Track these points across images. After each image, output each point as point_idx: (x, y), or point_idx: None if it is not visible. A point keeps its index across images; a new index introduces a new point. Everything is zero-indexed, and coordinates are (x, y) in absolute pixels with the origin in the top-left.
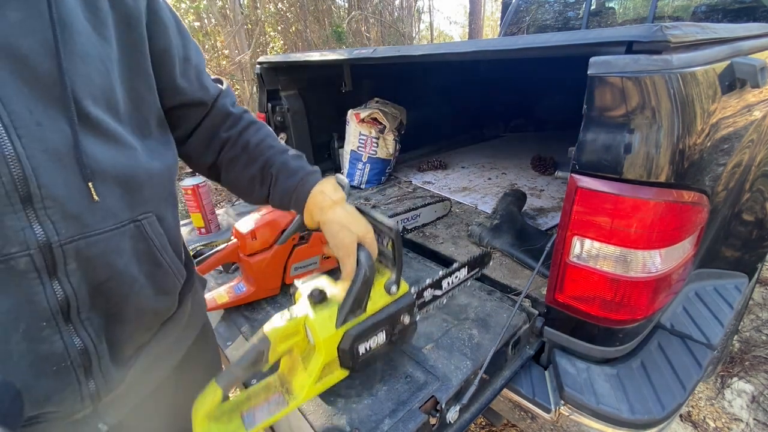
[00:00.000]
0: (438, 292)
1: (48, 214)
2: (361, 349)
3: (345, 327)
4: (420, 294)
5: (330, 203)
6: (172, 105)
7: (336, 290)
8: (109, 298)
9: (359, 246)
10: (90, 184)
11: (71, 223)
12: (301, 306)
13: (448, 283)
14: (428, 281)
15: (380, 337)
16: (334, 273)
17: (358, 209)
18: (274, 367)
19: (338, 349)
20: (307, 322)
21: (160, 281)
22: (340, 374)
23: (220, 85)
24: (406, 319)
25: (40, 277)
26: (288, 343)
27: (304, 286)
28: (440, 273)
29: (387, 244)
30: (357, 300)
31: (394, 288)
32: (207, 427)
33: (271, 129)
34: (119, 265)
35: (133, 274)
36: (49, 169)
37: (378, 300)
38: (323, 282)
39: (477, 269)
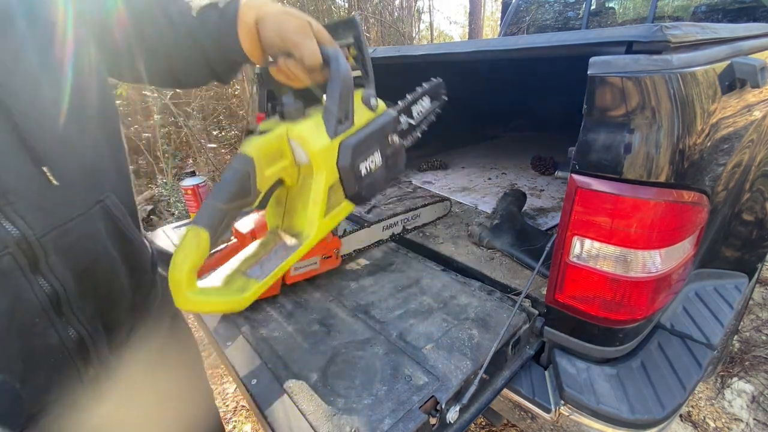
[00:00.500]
0: (412, 121)
1: (15, 209)
2: (363, 168)
3: (339, 137)
4: (396, 120)
5: (265, 1)
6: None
7: (311, 107)
8: (96, 283)
9: (318, 44)
10: (45, 168)
11: (41, 215)
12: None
13: (418, 113)
14: (400, 104)
15: (377, 158)
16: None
17: None
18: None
19: (339, 167)
20: (291, 135)
21: (134, 257)
22: (347, 207)
23: None
24: (395, 139)
25: (25, 275)
26: (275, 169)
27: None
28: (408, 98)
29: (349, 56)
30: (342, 102)
31: (373, 101)
32: (195, 287)
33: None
34: (98, 248)
35: (112, 255)
36: (1, 163)
37: (362, 115)
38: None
39: (436, 102)
